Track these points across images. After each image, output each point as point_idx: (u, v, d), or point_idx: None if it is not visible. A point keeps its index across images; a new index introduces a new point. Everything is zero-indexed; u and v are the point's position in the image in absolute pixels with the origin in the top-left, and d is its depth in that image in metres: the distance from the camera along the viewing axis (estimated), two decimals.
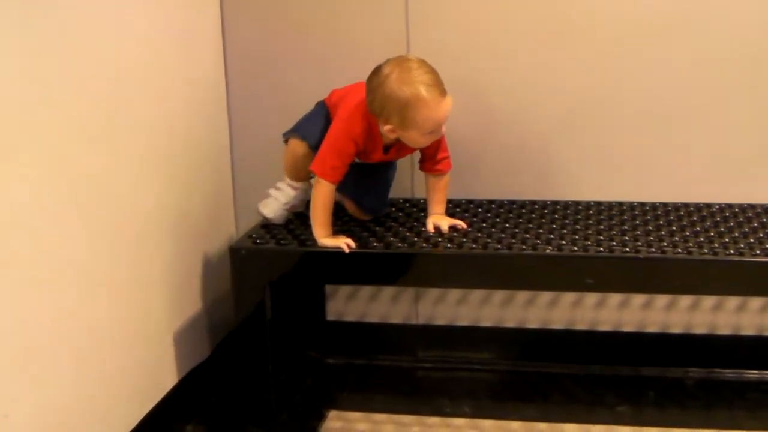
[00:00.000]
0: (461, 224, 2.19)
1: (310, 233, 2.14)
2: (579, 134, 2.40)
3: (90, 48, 1.85)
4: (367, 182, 2.26)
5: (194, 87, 2.35)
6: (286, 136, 2.25)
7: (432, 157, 2.20)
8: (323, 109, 2.25)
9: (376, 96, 2.03)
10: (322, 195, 2.10)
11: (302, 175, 2.25)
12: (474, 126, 2.42)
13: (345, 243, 2.07)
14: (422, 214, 2.29)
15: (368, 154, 2.16)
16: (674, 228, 2.17)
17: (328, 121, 2.19)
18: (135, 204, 2.05)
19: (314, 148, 2.17)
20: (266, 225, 2.26)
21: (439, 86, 2.01)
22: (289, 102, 2.41)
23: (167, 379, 2.25)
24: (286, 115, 2.32)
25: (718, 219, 2.23)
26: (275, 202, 2.27)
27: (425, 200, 2.27)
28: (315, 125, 2.21)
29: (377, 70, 2.05)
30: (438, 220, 2.20)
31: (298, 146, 2.22)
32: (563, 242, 2.07)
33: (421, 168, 2.24)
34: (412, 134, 2.05)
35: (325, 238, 2.10)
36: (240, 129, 2.55)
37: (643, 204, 2.36)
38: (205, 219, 2.42)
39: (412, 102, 1.98)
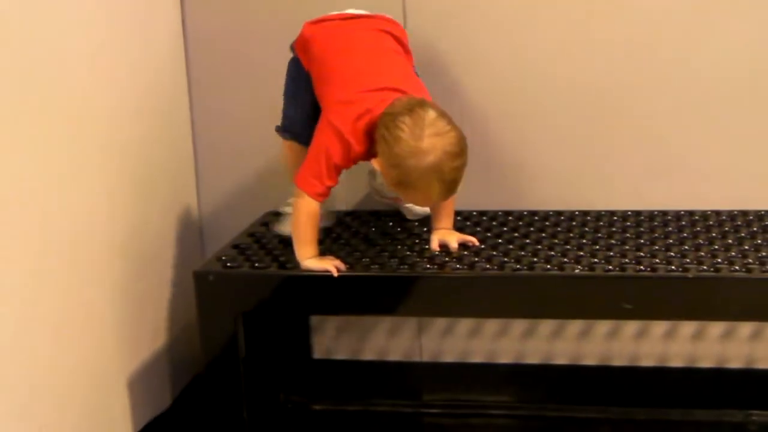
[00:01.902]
0: (472, 241, 2.19)
1: (290, 254, 2.14)
2: (612, 131, 2.42)
3: (28, 41, 1.85)
4: None
5: (151, 83, 2.36)
6: (283, 136, 2.29)
7: None
8: (296, 69, 2.24)
9: (393, 147, 2.00)
10: (306, 209, 2.10)
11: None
12: (485, 124, 2.44)
13: (333, 265, 2.07)
14: (425, 229, 2.30)
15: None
16: (730, 241, 2.16)
17: (308, 86, 2.19)
18: (78, 219, 2.03)
19: (305, 141, 2.17)
20: (238, 245, 2.24)
21: (450, 191, 2.02)
22: (259, 100, 2.45)
23: None
24: (256, 116, 2.39)
25: None
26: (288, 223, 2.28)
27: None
28: (295, 107, 2.23)
29: (415, 123, 1.99)
30: (445, 236, 2.19)
31: (289, 147, 2.26)
32: (595, 260, 2.07)
33: None
34: (394, 189, 2.06)
35: (309, 259, 2.09)
36: (204, 132, 2.57)
37: (691, 213, 2.36)
38: (164, 237, 2.42)
39: (414, 180, 1.99)
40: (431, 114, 1.99)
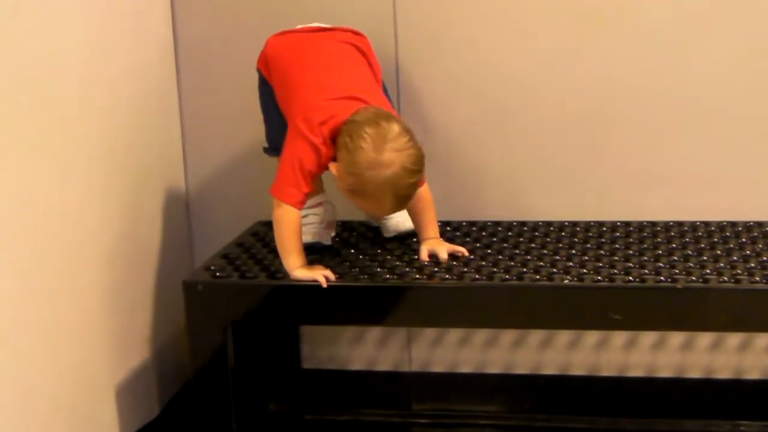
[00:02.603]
0: (462, 251, 2.18)
1: (280, 264, 2.13)
2: (601, 141, 2.42)
3: (18, 46, 1.84)
4: None
5: (141, 89, 2.35)
6: (271, 155, 2.30)
7: None
8: (263, 86, 2.28)
9: (350, 150, 2.02)
10: (288, 220, 2.10)
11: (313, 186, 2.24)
12: (473, 134, 2.44)
13: (323, 275, 2.06)
14: (414, 239, 2.29)
15: None
16: (718, 252, 2.16)
17: (274, 101, 2.24)
18: (67, 228, 2.02)
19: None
20: (227, 255, 2.23)
21: (402, 203, 2.06)
22: (249, 109, 2.42)
23: None
24: (247, 125, 2.39)
25: None
26: (310, 226, 2.28)
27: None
28: (272, 127, 2.27)
29: (378, 135, 2.01)
30: (434, 245, 2.19)
31: None
32: (584, 270, 2.06)
33: None
34: (348, 196, 2.08)
35: (298, 269, 2.09)
36: (194, 141, 2.57)
37: (680, 223, 2.36)
38: (153, 246, 2.41)
39: (370, 190, 2.02)
40: (395, 128, 2.01)
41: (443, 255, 2.16)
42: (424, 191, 2.19)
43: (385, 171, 1.99)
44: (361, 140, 2.01)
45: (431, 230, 2.22)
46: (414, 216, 2.23)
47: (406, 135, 2.02)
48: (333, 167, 2.06)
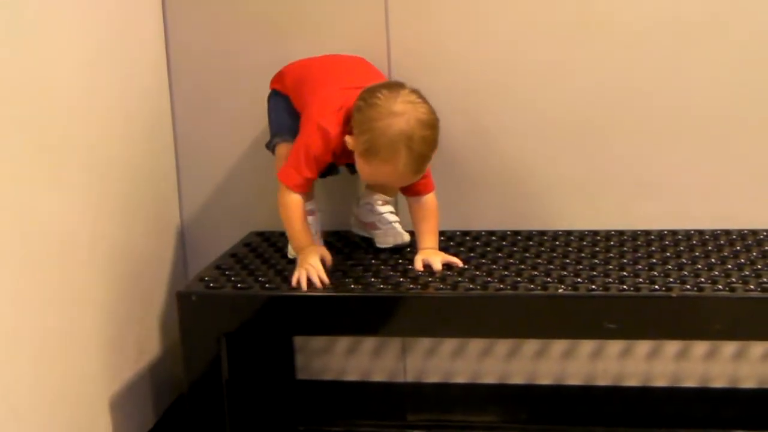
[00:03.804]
0: (456, 262, 2.18)
1: (273, 275, 2.15)
2: (594, 150, 2.41)
3: (11, 57, 1.84)
4: None
5: (134, 99, 2.35)
6: (274, 143, 2.30)
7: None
8: (280, 101, 2.31)
9: (365, 113, 2.07)
10: (288, 202, 2.16)
11: (309, 192, 2.27)
12: (467, 142, 2.44)
13: (314, 276, 2.08)
14: (408, 249, 2.29)
15: (344, 161, 2.22)
16: (713, 260, 2.16)
17: (289, 106, 2.28)
18: (61, 240, 2.02)
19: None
20: (221, 266, 2.23)
21: (419, 164, 2.07)
22: (243, 121, 2.45)
23: None
24: (241, 136, 2.40)
25: (767, 247, 2.22)
26: None
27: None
28: (288, 118, 2.27)
29: (391, 93, 2.07)
30: (429, 256, 2.18)
31: (290, 148, 2.24)
32: (579, 280, 2.06)
33: (400, 190, 2.25)
34: (363, 167, 2.10)
35: (301, 251, 2.14)
36: (188, 152, 2.56)
37: (674, 232, 2.36)
38: (147, 257, 2.40)
39: (382, 154, 2.04)
40: (408, 88, 2.08)
41: (437, 266, 2.15)
42: (431, 199, 2.22)
43: (397, 120, 2.02)
44: (375, 98, 2.07)
45: (431, 240, 2.21)
46: (417, 222, 2.23)
47: (421, 96, 2.07)
48: (348, 139, 2.09)
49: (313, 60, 2.32)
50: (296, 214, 2.15)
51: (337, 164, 2.24)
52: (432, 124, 2.06)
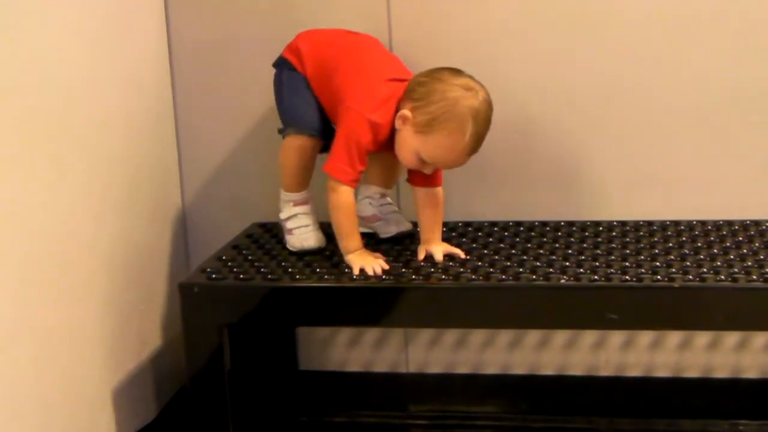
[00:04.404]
0: (458, 253, 2.18)
1: (275, 266, 2.15)
2: (598, 140, 2.41)
3: (11, 50, 1.83)
4: None
5: (135, 90, 2.35)
6: (287, 132, 2.26)
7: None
8: (296, 81, 2.26)
9: (431, 85, 2.09)
10: (344, 200, 2.14)
11: (309, 175, 2.27)
12: None
13: (373, 266, 2.09)
14: (408, 240, 2.30)
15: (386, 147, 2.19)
16: (716, 250, 2.16)
17: (308, 86, 2.24)
18: (63, 231, 2.02)
19: (320, 134, 2.22)
20: (223, 257, 2.23)
21: (477, 144, 2.08)
22: (245, 111, 2.45)
23: None
24: (242, 127, 2.41)
25: None
26: (303, 229, 2.27)
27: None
28: (306, 104, 2.23)
29: (454, 73, 2.10)
30: (431, 246, 2.19)
31: (300, 146, 2.23)
32: (581, 270, 2.06)
33: (409, 180, 2.24)
34: (412, 144, 2.09)
35: (352, 253, 2.14)
36: (190, 143, 2.56)
37: (676, 223, 2.36)
38: (149, 248, 2.41)
39: (448, 126, 2.05)
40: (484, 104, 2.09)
41: (438, 256, 2.16)
42: (439, 192, 2.22)
43: (469, 94, 2.07)
44: (440, 74, 2.10)
45: (435, 231, 2.22)
46: (421, 212, 2.23)
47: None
48: (406, 113, 2.08)
49: (333, 39, 2.27)
50: (350, 215, 2.14)
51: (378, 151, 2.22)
52: (492, 108, 2.10)
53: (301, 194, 2.28)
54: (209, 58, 2.50)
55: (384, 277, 2.07)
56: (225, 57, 2.49)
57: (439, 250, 2.17)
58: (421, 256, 2.17)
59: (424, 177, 2.19)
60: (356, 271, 2.09)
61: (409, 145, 2.09)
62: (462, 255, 2.18)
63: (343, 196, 2.12)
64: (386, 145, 2.15)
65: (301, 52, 2.26)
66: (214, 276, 2.13)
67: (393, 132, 2.13)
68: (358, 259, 2.11)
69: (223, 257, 2.24)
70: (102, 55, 2.19)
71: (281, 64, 2.29)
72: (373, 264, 2.09)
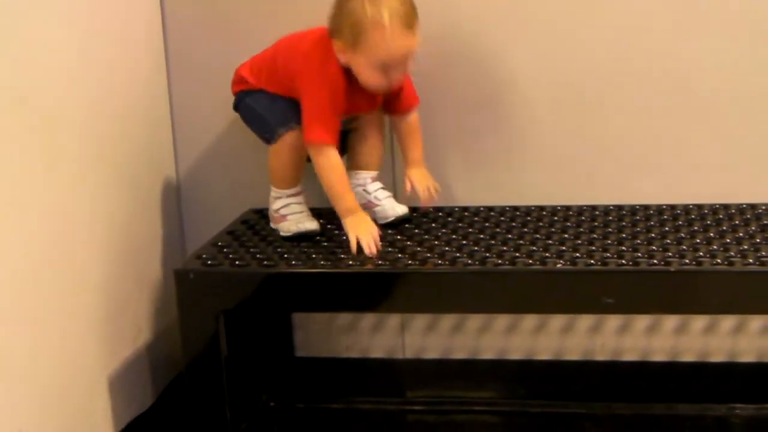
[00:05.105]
0: (437, 187, 2.31)
1: (271, 252, 2.15)
2: (593, 123, 2.41)
3: (4, 35, 1.83)
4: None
5: (129, 75, 2.34)
6: (279, 133, 2.26)
7: (397, 96, 2.29)
8: (258, 97, 2.29)
9: (338, 9, 2.15)
10: (329, 161, 2.17)
11: (302, 170, 2.30)
12: (466, 120, 2.44)
13: (368, 239, 2.13)
14: (407, 225, 2.30)
15: (353, 103, 2.22)
16: (712, 234, 2.16)
17: (282, 98, 2.26)
18: (58, 218, 2.02)
19: None
20: (218, 243, 2.23)
21: (405, 17, 2.10)
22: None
23: None
24: (237, 114, 2.35)
25: (766, 222, 2.22)
26: (297, 215, 2.28)
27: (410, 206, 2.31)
28: (284, 104, 2.24)
29: None
30: (415, 176, 2.30)
31: (289, 144, 2.24)
32: (577, 255, 2.06)
33: (389, 111, 2.32)
34: (361, 62, 2.13)
35: (350, 217, 2.17)
36: (185, 129, 2.55)
37: (673, 207, 2.36)
38: (144, 235, 2.40)
39: (368, 23, 2.09)
40: None
41: (420, 189, 2.28)
42: (415, 117, 2.31)
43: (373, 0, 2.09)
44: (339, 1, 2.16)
45: (416, 151, 2.32)
46: (402, 138, 2.34)
47: None
48: (336, 52, 2.14)
49: (264, 51, 2.33)
50: (340, 174, 2.17)
51: (350, 112, 2.24)
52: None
53: (295, 189, 2.30)
54: (204, 44, 2.49)
55: (379, 262, 2.08)
56: (222, 39, 2.47)
57: (422, 183, 2.29)
58: (408, 187, 2.28)
59: (398, 103, 2.28)
60: (352, 241, 2.12)
61: (360, 66, 2.13)
62: (439, 189, 2.30)
63: (328, 157, 2.16)
64: (352, 95, 2.18)
65: (246, 76, 2.30)
66: (209, 262, 2.13)
67: (349, 78, 2.17)
68: (354, 225, 2.14)
69: (219, 243, 2.24)
70: (93, 40, 2.18)
71: (240, 98, 2.33)
72: (368, 236, 2.12)
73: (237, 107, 2.34)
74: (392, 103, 2.29)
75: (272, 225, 2.31)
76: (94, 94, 2.17)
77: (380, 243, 2.13)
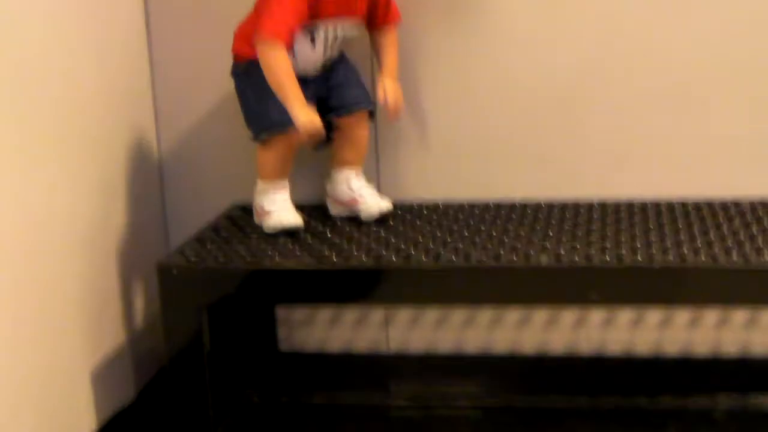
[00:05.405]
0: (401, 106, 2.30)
1: (255, 246, 2.15)
2: (576, 121, 2.41)
3: None
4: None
5: (113, 75, 2.33)
6: (267, 135, 2.23)
7: (379, 7, 2.28)
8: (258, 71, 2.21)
9: None
10: (282, 58, 2.12)
11: (290, 165, 2.28)
12: (448, 115, 2.44)
13: (309, 128, 2.10)
14: (389, 220, 2.31)
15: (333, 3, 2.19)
16: (696, 230, 2.16)
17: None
18: (38, 212, 2.01)
19: None
20: (202, 239, 2.23)
21: None
22: (224, 90, 2.42)
23: (82, 429, 2.20)
24: (222, 108, 2.39)
25: (749, 218, 2.23)
26: (285, 211, 2.27)
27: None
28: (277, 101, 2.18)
29: None
30: (389, 86, 2.27)
31: (285, 141, 2.22)
32: (561, 251, 2.06)
33: (370, 26, 2.31)
34: None
35: (300, 110, 2.11)
36: (169, 124, 2.54)
37: (656, 203, 2.37)
38: (128, 230, 2.40)
39: None
40: None
41: (389, 98, 2.25)
42: (394, 33, 2.32)
43: None
44: None
45: (392, 63, 2.31)
46: (379, 51, 2.32)
47: None
48: None
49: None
50: (285, 67, 2.12)
51: (330, 15, 2.20)
52: None
53: (282, 182, 2.29)
54: (187, 36, 2.47)
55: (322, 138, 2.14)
56: (203, 34, 2.46)
57: (392, 93, 2.26)
58: (381, 94, 2.25)
59: (380, 15, 2.28)
60: (303, 135, 2.11)
61: None
62: (403, 108, 2.31)
63: (270, 54, 2.11)
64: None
65: (238, 48, 2.27)
66: (192, 258, 2.12)
67: None
68: (298, 115, 2.11)
69: (203, 239, 2.24)
70: (78, 34, 2.17)
71: (243, 67, 2.27)
72: (313, 127, 2.10)
73: (233, 75, 2.30)
74: (374, 15, 2.28)
75: (255, 219, 2.31)
76: (76, 88, 2.16)
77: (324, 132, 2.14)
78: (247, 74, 2.24)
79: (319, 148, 2.30)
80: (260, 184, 2.30)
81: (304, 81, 2.19)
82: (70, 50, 2.13)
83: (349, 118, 2.29)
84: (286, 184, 2.29)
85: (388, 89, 2.26)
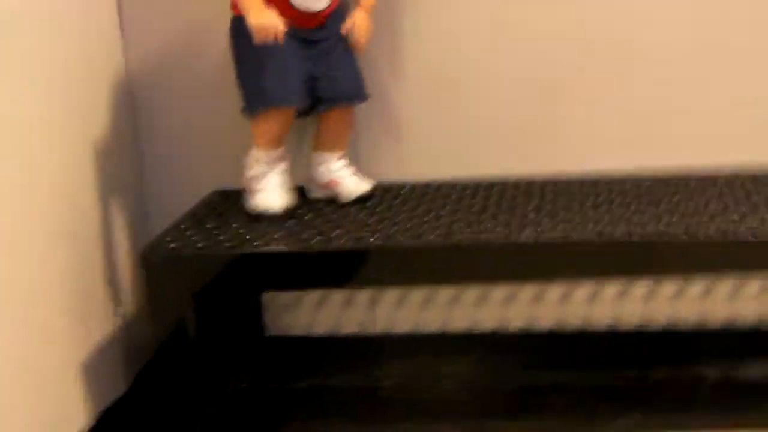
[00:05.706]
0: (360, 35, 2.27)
1: (236, 232, 2.14)
2: (555, 96, 2.42)
3: None
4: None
5: (91, 61, 2.32)
6: (257, 110, 2.22)
7: None
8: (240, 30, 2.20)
9: None
10: None
11: (286, 131, 2.26)
12: (429, 92, 2.44)
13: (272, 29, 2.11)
14: (371, 202, 2.31)
15: None
16: (676, 202, 2.19)
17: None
18: (18, 204, 1.99)
19: (299, 101, 2.20)
20: (183, 226, 2.23)
21: None
22: (203, 74, 2.42)
23: (74, 424, 2.21)
24: (200, 93, 2.38)
25: (725, 189, 2.24)
26: (274, 193, 2.25)
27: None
28: (278, 72, 2.17)
29: None
30: (360, 20, 2.26)
31: (269, 121, 2.22)
32: (540, 229, 2.07)
33: None
34: None
35: (260, 12, 2.12)
36: (147, 111, 2.53)
37: (638, 177, 2.38)
38: (109, 219, 2.39)
39: None
40: None
41: (357, 30, 2.24)
42: None
43: None
44: None
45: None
46: None
47: None
48: None
49: None
50: None
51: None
52: None
53: (277, 152, 2.27)
54: (163, 20, 2.45)
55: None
56: (184, 14, 2.44)
57: (362, 26, 2.25)
58: (349, 24, 2.24)
59: None
60: (257, 30, 2.11)
61: None
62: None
63: None
64: None
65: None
66: (174, 246, 2.12)
67: None
68: (257, 16, 2.12)
69: (184, 226, 2.23)
70: (55, 22, 2.15)
71: (235, 28, 2.23)
72: (272, 25, 2.11)
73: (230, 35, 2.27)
74: None
75: (243, 183, 2.29)
76: (53, 75, 2.15)
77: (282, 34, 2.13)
78: (237, 30, 2.22)
79: (302, 116, 2.28)
80: (254, 152, 2.27)
81: (304, 41, 2.19)
82: (43, 35, 2.11)
83: (336, 111, 2.28)
84: (281, 153, 2.27)
85: (357, 21, 2.24)
